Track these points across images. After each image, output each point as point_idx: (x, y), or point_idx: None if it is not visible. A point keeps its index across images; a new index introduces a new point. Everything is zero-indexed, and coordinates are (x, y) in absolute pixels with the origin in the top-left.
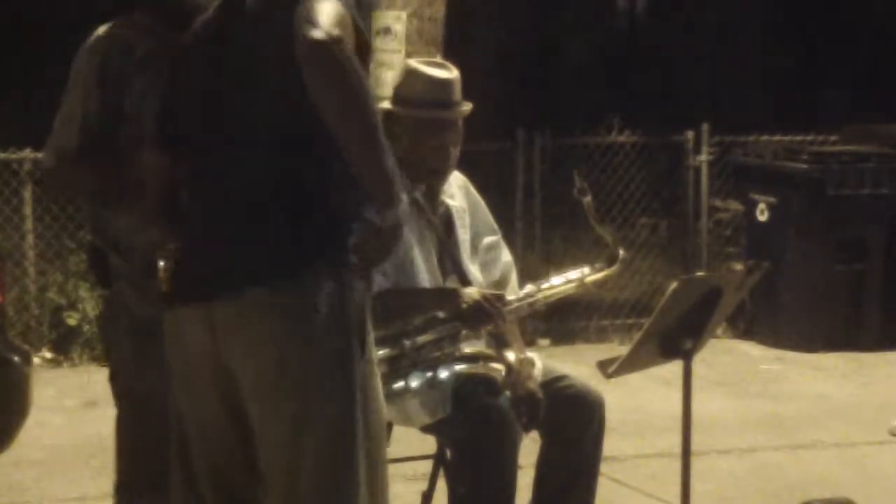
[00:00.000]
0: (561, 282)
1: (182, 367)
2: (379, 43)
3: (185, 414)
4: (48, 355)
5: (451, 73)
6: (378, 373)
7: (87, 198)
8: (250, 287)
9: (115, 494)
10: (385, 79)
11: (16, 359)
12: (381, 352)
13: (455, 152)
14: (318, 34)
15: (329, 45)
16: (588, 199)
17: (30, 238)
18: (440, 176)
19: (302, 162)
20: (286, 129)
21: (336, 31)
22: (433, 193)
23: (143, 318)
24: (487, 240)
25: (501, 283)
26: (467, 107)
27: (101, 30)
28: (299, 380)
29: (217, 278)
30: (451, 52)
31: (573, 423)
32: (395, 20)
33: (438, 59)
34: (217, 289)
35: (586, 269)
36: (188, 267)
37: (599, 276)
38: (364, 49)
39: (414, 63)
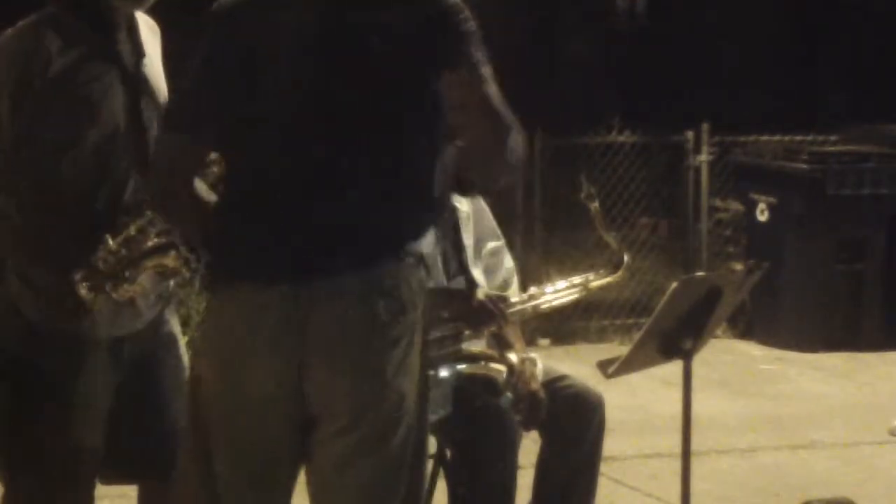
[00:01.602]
0: (564, 286)
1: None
2: None
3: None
4: None
5: None
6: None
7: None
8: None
9: None
10: None
11: None
12: None
13: None
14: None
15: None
16: (595, 204)
17: None
18: None
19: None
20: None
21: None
22: None
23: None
24: (491, 245)
25: (503, 289)
26: None
27: (13, 32)
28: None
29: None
30: None
31: (573, 423)
32: None
33: None
34: None
35: (591, 275)
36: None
37: (603, 281)
38: None
39: None
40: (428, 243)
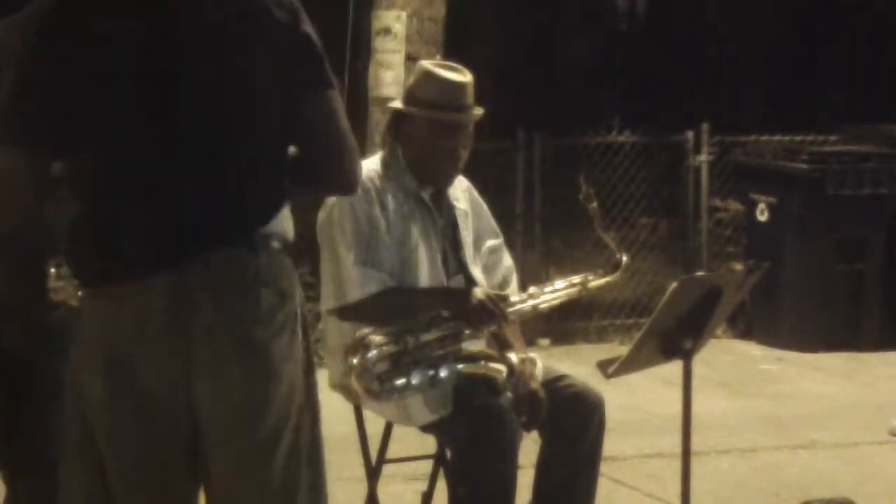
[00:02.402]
0: (564, 285)
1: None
2: (379, 43)
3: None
4: None
5: (465, 76)
6: None
7: None
8: None
9: None
10: (385, 79)
11: None
12: (384, 348)
13: (464, 155)
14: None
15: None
16: (594, 205)
17: None
18: (449, 178)
19: None
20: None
21: None
22: (440, 195)
23: None
24: (490, 243)
25: (502, 287)
26: (479, 111)
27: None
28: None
29: None
30: (451, 52)
31: (573, 423)
32: (395, 20)
33: (452, 63)
34: None
35: (590, 275)
36: None
37: (602, 281)
38: None
39: (429, 65)
40: (289, 228)
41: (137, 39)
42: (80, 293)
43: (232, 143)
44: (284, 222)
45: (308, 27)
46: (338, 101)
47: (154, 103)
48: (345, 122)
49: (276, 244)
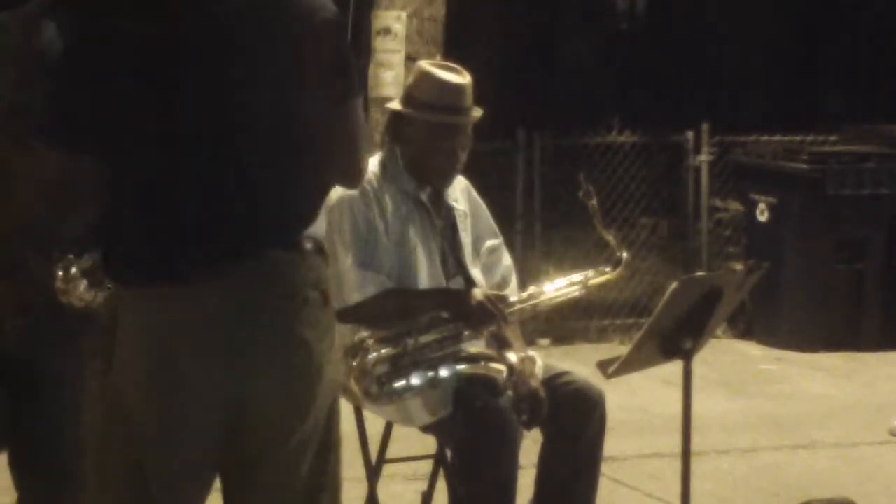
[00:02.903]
0: (563, 284)
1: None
2: (379, 43)
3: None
4: None
5: (464, 78)
6: None
7: None
8: None
9: None
10: (385, 79)
11: None
12: (383, 350)
13: (463, 156)
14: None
15: None
16: (593, 202)
17: None
18: (447, 179)
19: None
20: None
21: None
22: (438, 196)
23: None
24: (489, 243)
25: (501, 286)
26: (479, 112)
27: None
28: None
29: None
30: (451, 52)
31: (574, 420)
32: (395, 20)
33: (451, 63)
34: None
35: (590, 273)
36: None
37: (602, 279)
38: None
39: (427, 65)
40: (321, 228)
41: (171, 38)
42: (118, 296)
43: (278, 144)
44: (317, 223)
45: (325, 24)
46: (357, 99)
47: (198, 104)
48: (360, 118)
49: (309, 245)
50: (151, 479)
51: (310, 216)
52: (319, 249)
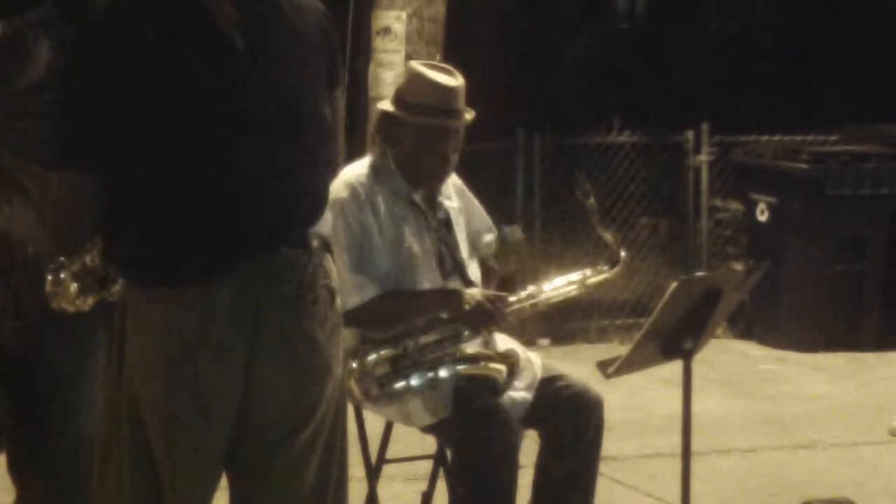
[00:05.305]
0: (562, 283)
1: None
2: (379, 43)
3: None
4: None
5: (456, 79)
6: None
7: None
8: None
9: None
10: (385, 79)
11: None
12: (383, 351)
13: (455, 158)
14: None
15: None
16: (591, 201)
17: None
18: (439, 180)
19: None
20: None
21: None
22: (431, 196)
23: None
24: (487, 238)
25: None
26: (471, 115)
27: None
28: None
29: None
30: (451, 52)
31: (572, 424)
32: (395, 20)
33: (442, 63)
34: None
35: (588, 271)
36: None
37: (600, 277)
38: None
39: (419, 67)
40: (327, 224)
41: (192, 44)
42: (128, 297)
43: (286, 146)
44: (323, 220)
45: (327, 16)
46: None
47: (212, 105)
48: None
49: (316, 242)
50: (165, 481)
51: (317, 212)
52: (326, 246)
